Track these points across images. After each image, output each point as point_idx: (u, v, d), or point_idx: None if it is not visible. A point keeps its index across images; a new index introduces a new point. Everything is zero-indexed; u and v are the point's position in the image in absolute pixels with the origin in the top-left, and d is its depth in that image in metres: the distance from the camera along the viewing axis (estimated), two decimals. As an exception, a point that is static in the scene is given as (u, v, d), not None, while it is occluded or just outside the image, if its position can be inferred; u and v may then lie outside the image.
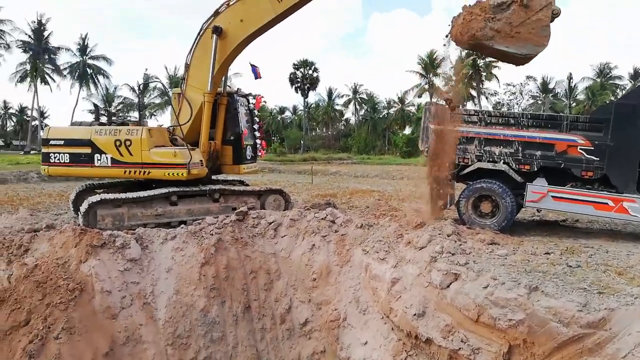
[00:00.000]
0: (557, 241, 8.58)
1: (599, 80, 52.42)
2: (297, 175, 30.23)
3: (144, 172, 9.58)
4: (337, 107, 74.07)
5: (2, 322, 6.34)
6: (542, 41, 7.64)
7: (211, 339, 7.02)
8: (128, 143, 9.51)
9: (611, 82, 52.18)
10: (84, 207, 9.01)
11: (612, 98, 43.10)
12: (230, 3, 9.60)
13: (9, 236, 8.33)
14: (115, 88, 68.15)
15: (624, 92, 45.96)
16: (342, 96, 72.20)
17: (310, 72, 65.36)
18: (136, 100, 62.51)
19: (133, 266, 7.37)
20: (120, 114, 60.06)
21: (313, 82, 65.99)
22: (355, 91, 70.99)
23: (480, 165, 9.68)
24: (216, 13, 9.76)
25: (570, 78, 54.98)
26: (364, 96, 70.51)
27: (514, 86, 56.67)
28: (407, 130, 61.41)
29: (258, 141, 11.76)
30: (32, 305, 6.39)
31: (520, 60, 8.03)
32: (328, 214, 9.05)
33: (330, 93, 71.93)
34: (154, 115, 56.26)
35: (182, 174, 9.42)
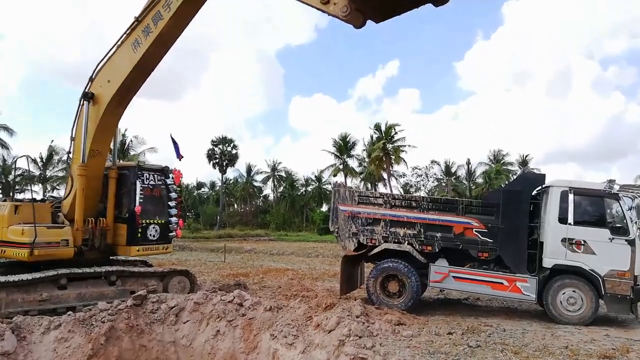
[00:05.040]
0: (459, 320, 8.86)
1: (494, 165, 58.18)
2: (209, 253, 29.13)
3: (2, 251, 8.99)
4: (256, 184, 74.35)
5: None
6: None
7: None
8: None
9: (504, 167, 58.13)
10: (-50, 293, 7.87)
11: (506, 182, 47.77)
12: (99, 67, 9.38)
13: None
14: (15, 160, 63.18)
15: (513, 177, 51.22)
16: (261, 173, 72.90)
17: (229, 148, 65.78)
18: (37, 172, 58.15)
19: (5, 362, 6.39)
20: (17, 187, 55.29)
21: (232, 159, 66.20)
22: (274, 168, 72.08)
23: (387, 246, 10.00)
24: (90, 80, 9.46)
25: (468, 163, 60.49)
26: (283, 173, 71.78)
27: (420, 169, 61.01)
28: (325, 207, 62.72)
29: (174, 219, 10.81)
30: None
31: None
32: (236, 296, 8.65)
33: (249, 169, 72.34)
34: (57, 188, 52.58)
35: (23, 254, 8.67)
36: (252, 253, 29.39)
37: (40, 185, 57.02)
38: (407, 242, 9.95)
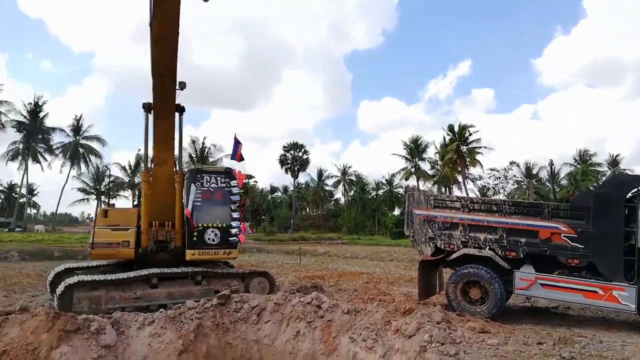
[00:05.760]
0: (549, 330, 8.35)
1: (580, 166, 54.25)
2: (285, 255, 29.79)
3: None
4: (327, 188, 75.05)
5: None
6: None
7: None
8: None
9: (591, 168, 54.00)
10: (60, 289, 8.72)
11: (596, 184, 44.33)
12: None
13: (-22, 319, 7.91)
14: (107, 167, 68.99)
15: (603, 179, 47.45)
16: (332, 177, 73.49)
17: (300, 154, 66.98)
18: (127, 179, 62.84)
19: (107, 353, 6.95)
20: (111, 193, 60.12)
21: (303, 164, 67.38)
22: (344, 172, 72.39)
23: (466, 251, 9.67)
24: None
25: (551, 164, 56.89)
26: (353, 177, 71.82)
27: (498, 171, 58.32)
28: (397, 211, 61.88)
29: (235, 223, 10.43)
30: (-6, 397, 5.92)
31: None
32: (314, 298, 8.79)
33: (320, 174, 73.23)
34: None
35: (89, 252, 9.78)
36: (326, 256, 29.66)
37: (129, 190, 61.64)
38: (488, 247, 9.55)
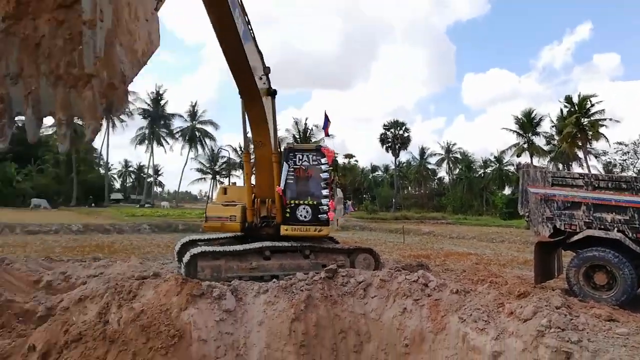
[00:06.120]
0: (692, 322, 7.38)
1: None
2: (388, 234, 29.77)
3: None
4: (430, 166, 73.03)
5: (110, 363, 6.80)
6: None
7: (300, 397, 6.91)
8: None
9: None
10: (186, 258, 9.63)
11: None
12: None
13: (121, 282, 9.10)
14: (220, 149, 74.01)
15: None
16: (435, 155, 71.28)
17: (401, 132, 65.76)
18: (238, 160, 66.90)
19: (228, 317, 7.59)
20: (224, 173, 64.56)
21: (404, 142, 66.19)
22: (448, 150, 69.77)
23: (590, 232, 8.85)
24: None
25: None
26: (458, 155, 68.95)
27: (625, 145, 51.92)
28: (507, 190, 58.33)
29: (324, 200, 10.51)
30: (137, 348, 6.80)
31: None
32: (420, 276, 8.71)
33: (422, 152, 71.42)
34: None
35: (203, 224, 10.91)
36: (430, 235, 29.10)
37: (240, 170, 65.80)
38: (616, 229, 8.64)
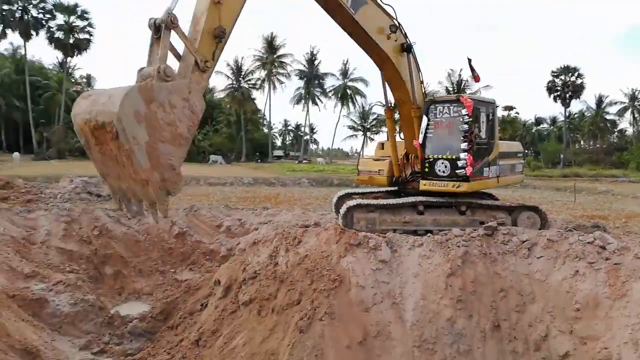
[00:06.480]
0: None
1: None
2: (554, 192, 27.13)
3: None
4: (609, 117, 63.40)
5: (281, 299, 7.66)
6: None
7: (457, 350, 6.89)
8: None
9: None
10: (343, 210, 10.11)
11: None
12: None
13: (287, 229, 10.02)
14: (371, 106, 74.77)
15: None
16: (615, 104, 61.45)
17: (573, 79, 57.85)
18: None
19: (383, 267, 7.86)
20: (374, 129, 65.21)
21: (576, 90, 58.27)
22: (633, 97, 59.51)
23: None
24: None
25: None
26: (647, 103, 58.41)
27: None
28: None
29: (463, 155, 9.79)
30: (303, 289, 7.51)
31: None
32: (597, 238, 7.82)
33: (599, 101, 62.16)
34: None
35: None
36: (608, 195, 25.67)
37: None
38: None
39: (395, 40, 9.71)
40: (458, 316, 7.20)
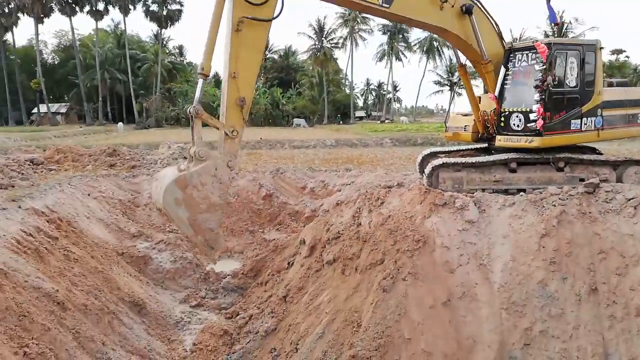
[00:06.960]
0: None
1: None
2: (670, 145, 24.09)
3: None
4: None
5: (364, 259, 7.77)
6: None
7: (549, 313, 6.57)
8: None
9: None
10: (428, 169, 9.84)
11: None
12: None
13: (370, 190, 10.02)
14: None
15: None
16: None
17: None
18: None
19: (470, 227, 7.62)
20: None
21: None
22: None
23: None
24: None
25: None
26: None
27: None
28: None
29: (535, 107, 8.94)
30: (386, 249, 7.54)
31: None
32: None
33: None
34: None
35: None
36: None
37: (480, 79, 62.31)
38: None
39: (452, 6, 8.89)
40: (550, 278, 6.83)
